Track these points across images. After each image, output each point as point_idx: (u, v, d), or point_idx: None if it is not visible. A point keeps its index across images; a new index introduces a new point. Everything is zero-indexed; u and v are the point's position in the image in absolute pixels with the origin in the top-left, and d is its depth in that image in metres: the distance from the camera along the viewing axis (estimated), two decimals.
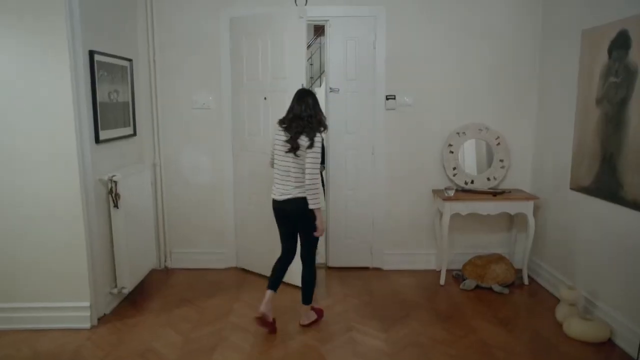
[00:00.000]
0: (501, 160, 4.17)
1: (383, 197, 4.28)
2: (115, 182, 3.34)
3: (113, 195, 3.35)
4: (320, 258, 4.38)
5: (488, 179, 4.19)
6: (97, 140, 3.27)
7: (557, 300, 3.60)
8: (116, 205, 3.37)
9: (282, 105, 3.31)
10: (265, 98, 3.90)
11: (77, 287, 3.16)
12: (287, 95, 3.33)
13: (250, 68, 4.01)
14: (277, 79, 3.84)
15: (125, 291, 3.50)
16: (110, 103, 3.49)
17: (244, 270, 4.34)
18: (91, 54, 3.16)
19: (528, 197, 3.94)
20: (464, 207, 3.93)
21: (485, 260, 3.99)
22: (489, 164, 4.20)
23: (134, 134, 3.94)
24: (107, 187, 3.37)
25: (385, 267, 4.38)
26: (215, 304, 3.61)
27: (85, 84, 3.11)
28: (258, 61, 3.94)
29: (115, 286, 3.50)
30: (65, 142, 3.02)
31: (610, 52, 3.06)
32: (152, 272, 4.15)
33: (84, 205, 3.10)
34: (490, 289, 3.87)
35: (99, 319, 3.28)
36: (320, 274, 4.24)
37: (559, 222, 3.77)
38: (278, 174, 3.08)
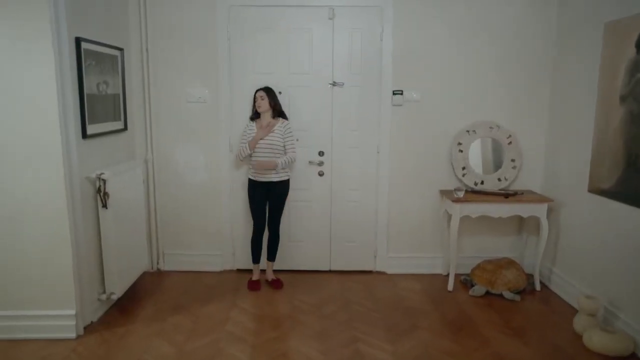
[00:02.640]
0: (513, 160, 3.97)
1: (387, 197, 4.07)
2: (104, 181, 3.10)
3: (101, 195, 3.11)
4: (320, 262, 4.17)
5: (499, 179, 3.99)
6: (84, 135, 3.02)
7: (573, 309, 3.42)
8: (105, 205, 3.13)
9: (303, 100, 3.81)
10: (280, 92, 3.77)
11: (61, 294, 2.93)
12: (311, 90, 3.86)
13: (259, 61, 3.87)
14: (296, 74, 3.87)
15: (114, 297, 3.26)
16: (99, 95, 3.25)
17: (240, 271, 4.12)
18: (78, 41, 2.92)
19: (542, 199, 3.74)
20: (475, 210, 3.72)
21: (495, 264, 3.80)
22: (500, 164, 4.00)
23: (125, 128, 3.70)
24: (95, 186, 3.13)
25: (389, 271, 4.17)
26: (211, 311, 3.39)
27: (71, 74, 2.87)
28: (271, 54, 3.87)
29: (104, 292, 3.26)
30: (48, 137, 2.77)
31: (638, 46, 2.85)
32: (144, 275, 3.92)
33: (69, 205, 2.86)
34: (501, 295, 3.68)
35: (85, 328, 3.05)
36: (322, 278, 4.04)
37: (575, 226, 3.58)
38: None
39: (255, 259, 3.85)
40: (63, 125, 2.80)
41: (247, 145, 3.64)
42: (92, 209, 3.14)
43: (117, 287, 3.27)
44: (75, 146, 2.91)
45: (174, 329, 3.11)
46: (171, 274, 4.08)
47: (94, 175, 3.09)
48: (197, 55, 3.86)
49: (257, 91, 3.66)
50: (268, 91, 3.66)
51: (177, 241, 4.13)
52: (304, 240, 4.13)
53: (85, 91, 3.01)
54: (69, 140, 2.86)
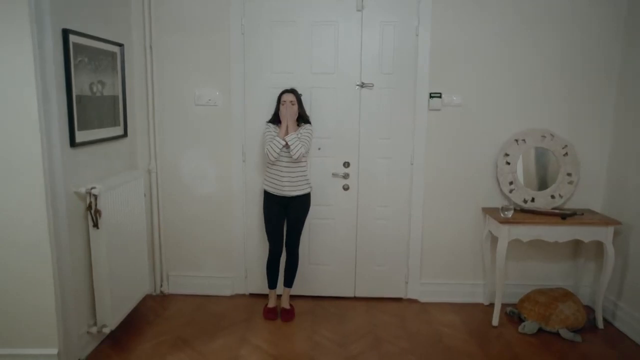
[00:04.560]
0: (569, 174, 3.42)
1: (422, 215, 3.56)
2: (95, 196, 2.65)
3: (92, 212, 2.67)
4: (344, 287, 3.67)
5: (552, 196, 3.44)
6: (73, 143, 2.59)
7: None
8: (96, 225, 2.69)
9: (326, 104, 3.40)
10: (301, 94, 3.28)
11: (42, 330, 2.49)
12: (335, 93, 3.41)
13: (277, 59, 3.41)
14: (319, 74, 3.41)
15: (107, 330, 2.81)
16: (93, 97, 2.81)
17: (254, 296, 3.65)
18: (65, 33, 2.48)
19: (607, 221, 3.18)
20: (526, 232, 3.18)
21: (548, 296, 3.25)
22: (554, 178, 3.45)
23: (125, 134, 3.26)
24: (85, 202, 2.69)
25: (423, 299, 3.65)
26: (218, 348, 2.92)
27: (57, 72, 2.44)
28: (290, 51, 3.41)
29: (95, 324, 2.82)
30: (27, 145, 2.34)
31: None
32: (146, 299, 3.48)
33: (51, 226, 2.42)
34: (557, 334, 3.13)
35: None
36: (346, 306, 3.54)
37: None
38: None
39: (272, 284, 3.38)
40: (44, 131, 2.36)
41: (276, 138, 3.11)
42: (81, 230, 2.71)
43: (111, 319, 2.82)
44: (61, 156, 2.47)
45: None
46: (176, 298, 3.63)
47: (83, 190, 2.65)
48: (207, 52, 3.41)
49: (284, 93, 3.18)
50: (297, 95, 3.20)
51: (183, 262, 3.67)
52: (326, 262, 3.64)
53: (75, 92, 2.58)
54: (52, 149, 2.42)
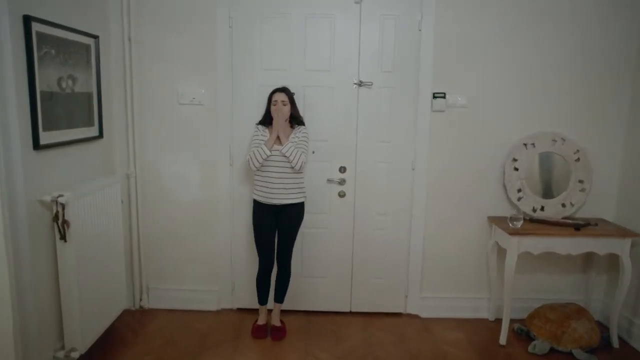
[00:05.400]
0: (580, 182, 3.19)
1: (423, 224, 3.31)
2: (63, 205, 2.36)
3: (59, 224, 2.37)
4: (339, 302, 3.40)
5: (563, 205, 3.21)
6: (37, 145, 2.30)
7: None
8: (63, 237, 2.39)
9: (321, 104, 3.15)
10: (293, 93, 2.99)
11: None
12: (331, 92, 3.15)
13: (268, 54, 3.13)
14: (314, 71, 3.15)
15: (76, 354, 2.51)
16: (62, 93, 2.52)
17: (241, 311, 3.37)
18: (27, 20, 2.19)
19: (624, 232, 2.95)
20: (537, 244, 2.94)
21: (560, 313, 3.01)
22: (565, 185, 3.22)
23: (100, 135, 2.97)
24: (51, 212, 2.39)
25: (423, 314, 3.40)
26: None
27: (17, 65, 2.14)
28: (282, 46, 3.14)
29: (62, 347, 2.52)
30: None
31: None
32: (124, 315, 3.19)
33: (8, 239, 2.13)
34: (570, 354, 2.90)
35: None
36: (342, 322, 3.27)
37: None
38: None
39: (262, 300, 3.10)
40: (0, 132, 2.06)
41: (262, 147, 2.86)
42: (46, 243, 2.41)
43: (80, 341, 2.52)
44: (22, 160, 2.18)
45: None
46: (157, 313, 3.33)
47: (49, 199, 2.35)
48: (191, 46, 3.13)
49: (274, 92, 2.92)
50: (289, 94, 2.93)
51: (165, 274, 3.38)
52: (320, 275, 3.37)
53: (39, 88, 2.28)
54: (10, 152, 2.13)
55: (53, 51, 2.41)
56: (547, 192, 3.23)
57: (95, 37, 2.85)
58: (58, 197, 2.35)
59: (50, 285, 2.45)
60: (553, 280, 3.39)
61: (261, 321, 3.11)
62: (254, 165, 2.85)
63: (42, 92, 2.31)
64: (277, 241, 3.02)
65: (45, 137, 2.35)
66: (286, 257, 3.03)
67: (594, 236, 2.92)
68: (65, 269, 2.44)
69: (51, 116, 2.41)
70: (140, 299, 3.37)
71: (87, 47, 2.78)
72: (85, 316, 2.56)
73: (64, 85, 2.53)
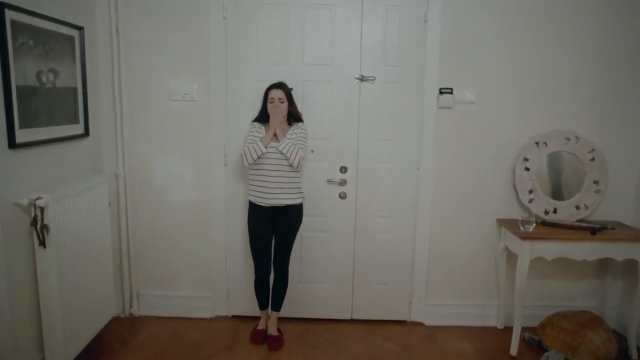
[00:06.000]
0: (596, 182, 3.01)
1: (429, 227, 3.13)
2: (42, 208, 2.19)
3: (38, 228, 2.20)
4: (340, 309, 3.23)
5: (577, 207, 3.03)
6: (12, 143, 2.12)
7: None
8: (42, 243, 2.22)
9: (321, 100, 2.96)
10: (291, 89, 2.82)
11: None
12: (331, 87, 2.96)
13: (264, 47, 2.96)
14: (313, 65, 2.97)
15: None
16: (42, 88, 2.34)
17: (237, 318, 3.20)
18: (0, 7, 2.01)
19: None
20: (551, 250, 2.77)
21: (574, 322, 2.84)
22: (579, 187, 3.04)
23: (86, 133, 2.79)
24: (29, 216, 2.22)
25: (428, 322, 3.23)
26: None
27: None
28: (280, 39, 2.96)
29: None
30: None
31: None
32: (112, 323, 3.02)
33: None
34: None
35: None
36: (342, 330, 3.10)
37: None
38: None
39: (263, 305, 2.95)
40: None
41: (257, 143, 2.68)
42: (24, 249, 2.24)
43: (62, 354, 2.35)
44: None
45: None
46: (147, 320, 3.16)
47: (26, 201, 2.18)
48: (183, 39, 2.96)
49: (270, 89, 2.74)
50: (287, 90, 2.76)
51: (156, 279, 3.21)
52: (319, 281, 3.19)
53: (15, 82, 2.11)
54: None
55: (31, 42, 2.23)
56: (560, 194, 3.05)
57: (80, 28, 2.68)
58: (36, 199, 2.17)
59: (28, 295, 2.28)
60: (565, 286, 3.22)
61: (261, 326, 2.97)
62: (247, 161, 2.68)
63: (18, 87, 2.14)
64: (274, 245, 2.84)
65: (22, 135, 2.17)
66: (283, 263, 2.86)
67: (611, 241, 2.75)
68: (44, 277, 2.27)
69: (29, 112, 2.23)
70: (130, 306, 3.20)
71: (71, 38, 2.60)
72: (69, 326, 2.39)
73: (44, 79, 2.35)
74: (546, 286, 3.21)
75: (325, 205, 3.10)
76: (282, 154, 2.64)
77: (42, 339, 2.33)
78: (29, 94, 2.23)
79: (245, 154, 2.67)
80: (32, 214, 2.20)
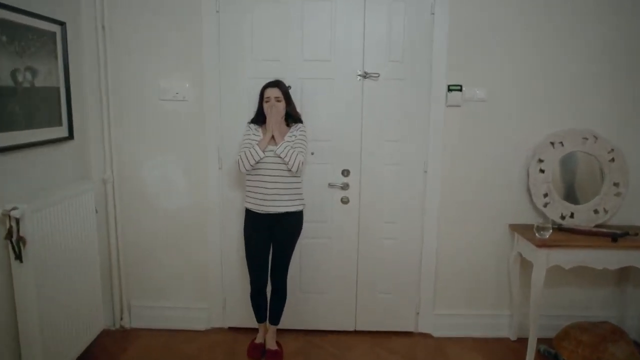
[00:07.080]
0: (616, 185, 2.82)
1: (437, 233, 2.95)
2: (17, 219, 2.01)
3: (13, 241, 2.03)
4: (343, 319, 3.05)
5: (596, 211, 2.84)
6: None
7: None
8: (19, 257, 2.04)
9: (321, 98, 2.79)
10: (289, 87, 2.63)
11: None
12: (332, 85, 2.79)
13: (260, 42, 2.78)
14: (313, 61, 2.79)
15: None
16: (18, 88, 2.17)
17: (233, 330, 3.03)
18: None
19: None
20: (569, 258, 2.59)
21: (593, 334, 2.66)
22: (597, 189, 2.85)
23: (70, 137, 2.61)
24: (4, 228, 2.04)
25: (437, 334, 3.05)
26: None
27: None
28: (277, 33, 2.77)
29: None
30: None
31: None
32: (102, 336, 2.85)
33: None
34: None
35: None
36: (345, 343, 2.93)
37: None
38: None
39: (260, 318, 2.79)
40: None
41: (255, 147, 2.50)
42: (0, 263, 2.07)
43: None
44: None
45: None
46: (139, 333, 3.00)
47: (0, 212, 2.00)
48: (174, 34, 2.77)
49: (266, 87, 2.56)
50: (284, 89, 2.57)
51: (148, 290, 3.04)
52: (321, 290, 3.02)
53: None
54: None
55: (4, 38, 2.05)
56: (574, 197, 2.86)
57: (62, 23, 2.50)
58: (11, 210, 2.00)
59: (5, 312, 2.10)
60: (581, 294, 3.03)
61: (259, 339, 2.80)
62: (244, 167, 2.50)
63: None
64: (272, 255, 2.67)
65: None
66: (281, 275, 2.68)
67: (634, 248, 2.56)
68: (21, 293, 2.10)
69: (3, 115, 2.05)
70: (121, 318, 3.03)
71: (52, 35, 2.42)
72: (51, 344, 2.22)
73: (20, 78, 2.17)
74: (561, 294, 3.02)
75: (327, 211, 2.92)
76: (280, 158, 2.46)
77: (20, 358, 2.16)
78: (2, 95, 2.05)
79: (242, 160, 2.49)
80: (7, 226, 2.02)
